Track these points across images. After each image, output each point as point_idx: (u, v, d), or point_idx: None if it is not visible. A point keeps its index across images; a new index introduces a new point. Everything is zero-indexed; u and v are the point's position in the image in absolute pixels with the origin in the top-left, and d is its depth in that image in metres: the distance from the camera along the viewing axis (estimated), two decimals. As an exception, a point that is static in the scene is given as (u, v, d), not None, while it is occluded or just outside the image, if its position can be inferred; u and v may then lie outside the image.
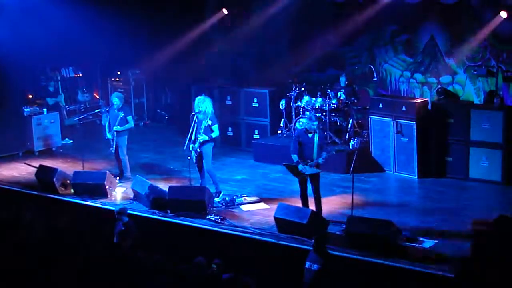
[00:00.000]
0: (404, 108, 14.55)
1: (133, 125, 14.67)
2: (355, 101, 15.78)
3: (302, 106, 15.75)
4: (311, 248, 9.95)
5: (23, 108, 17.15)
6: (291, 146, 11.97)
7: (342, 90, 15.70)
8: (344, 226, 11.09)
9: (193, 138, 13.06)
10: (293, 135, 12.98)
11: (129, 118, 14.39)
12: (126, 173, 14.51)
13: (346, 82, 15.88)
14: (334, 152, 11.61)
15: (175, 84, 20.17)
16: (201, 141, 12.98)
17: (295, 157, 11.85)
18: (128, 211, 11.94)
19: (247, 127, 17.17)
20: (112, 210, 12.29)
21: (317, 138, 11.75)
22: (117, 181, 14.17)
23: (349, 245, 10.73)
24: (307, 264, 9.78)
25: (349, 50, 17.41)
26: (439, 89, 16.04)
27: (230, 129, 17.32)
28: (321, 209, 11.86)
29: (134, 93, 20.33)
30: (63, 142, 17.66)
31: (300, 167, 11.74)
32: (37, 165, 14.56)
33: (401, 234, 10.81)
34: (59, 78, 19.81)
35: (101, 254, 11.24)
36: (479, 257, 9.53)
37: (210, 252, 10.66)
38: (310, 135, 11.79)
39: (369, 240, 10.53)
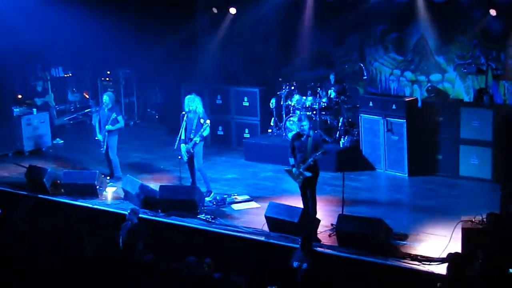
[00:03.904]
0: (394, 106, 14.58)
1: (123, 125, 14.62)
2: (346, 99, 15.80)
3: (292, 104, 15.76)
4: (298, 246, 9.96)
5: (13, 108, 17.08)
6: (289, 149, 11.95)
7: (333, 88, 15.71)
8: (334, 224, 11.10)
9: (183, 137, 13.07)
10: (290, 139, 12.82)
11: (119, 118, 14.35)
12: (116, 173, 14.48)
13: (335, 79, 15.87)
14: (318, 155, 11.43)
15: (165, 84, 20.14)
16: (196, 142, 12.97)
17: (291, 161, 11.80)
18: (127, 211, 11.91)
19: (238, 126, 17.16)
20: (105, 211, 12.31)
21: (310, 141, 11.56)
22: (108, 181, 14.14)
23: (340, 244, 10.74)
24: (295, 264, 9.77)
25: (339, 49, 17.41)
26: (429, 87, 16.07)
27: (220, 128, 17.31)
28: (315, 213, 11.80)
29: (124, 92, 20.27)
30: (54, 142, 17.61)
31: (294, 170, 11.73)
32: (27, 165, 14.52)
33: (391, 232, 10.83)
34: (48, 77, 19.75)
35: (94, 254, 11.24)
36: (469, 255, 9.55)
37: (201, 251, 10.65)
38: (303, 138, 11.67)
39: (360, 238, 10.55)
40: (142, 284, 10.04)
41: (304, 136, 11.64)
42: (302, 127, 11.69)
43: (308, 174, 11.54)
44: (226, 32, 18.15)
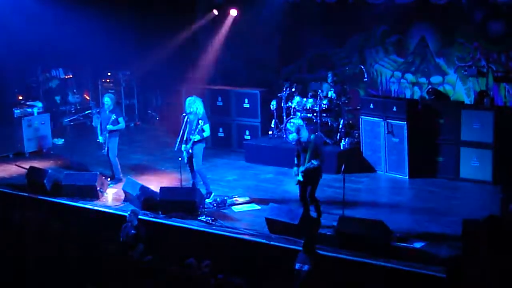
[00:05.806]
0: (395, 108, 14.57)
1: (124, 126, 14.62)
2: (346, 101, 15.79)
3: (293, 106, 15.76)
4: (301, 249, 9.96)
5: (13, 109, 17.08)
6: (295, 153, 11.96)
7: (332, 89, 15.66)
8: (335, 226, 11.10)
9: (184, 138, 13.07)
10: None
11: (120, 119, 14.35)
12: (117, 175, 14.48)
13: (335, 79, 15.82)
14: (312, 164, 11.44)
15: (166, 85, 20.13)
16: (194, 140, 12.97)
17: (296, 160, 11.82)
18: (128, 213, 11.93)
19: (238, 128, 17.15)
20: (105, 212, 12.29)
21: (312, 146, 11.53)
22: (108, 182, 14.14)
23: (340, 246, 10.74)
24: (297, 266, 9.79)
25: (340, 50, 17.42)
26: (430, 89, 16.08)
27: (221, 130, 17.30)
28: (320, 215, 11.78)
29: (125, 94, 20.26)
30: (54, 140, 17.59)
31: (294, 170, 11.75)
32: (28, 167, 14.51)
33: (392, 234, 10.83)
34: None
35: (94, 255, 11.25)
36: (469, 257, 9.56)
37: (201, 253, 10.66)
38: (303, 145, 11.67)
39: (360, 240, 10.54)
40: (142, 286, 10.05)
41: (305, 144, 11.65)
42: (301, 139, 11.70)
43: (300, 178, 11.55)
44: (226, 33, 18.16)
